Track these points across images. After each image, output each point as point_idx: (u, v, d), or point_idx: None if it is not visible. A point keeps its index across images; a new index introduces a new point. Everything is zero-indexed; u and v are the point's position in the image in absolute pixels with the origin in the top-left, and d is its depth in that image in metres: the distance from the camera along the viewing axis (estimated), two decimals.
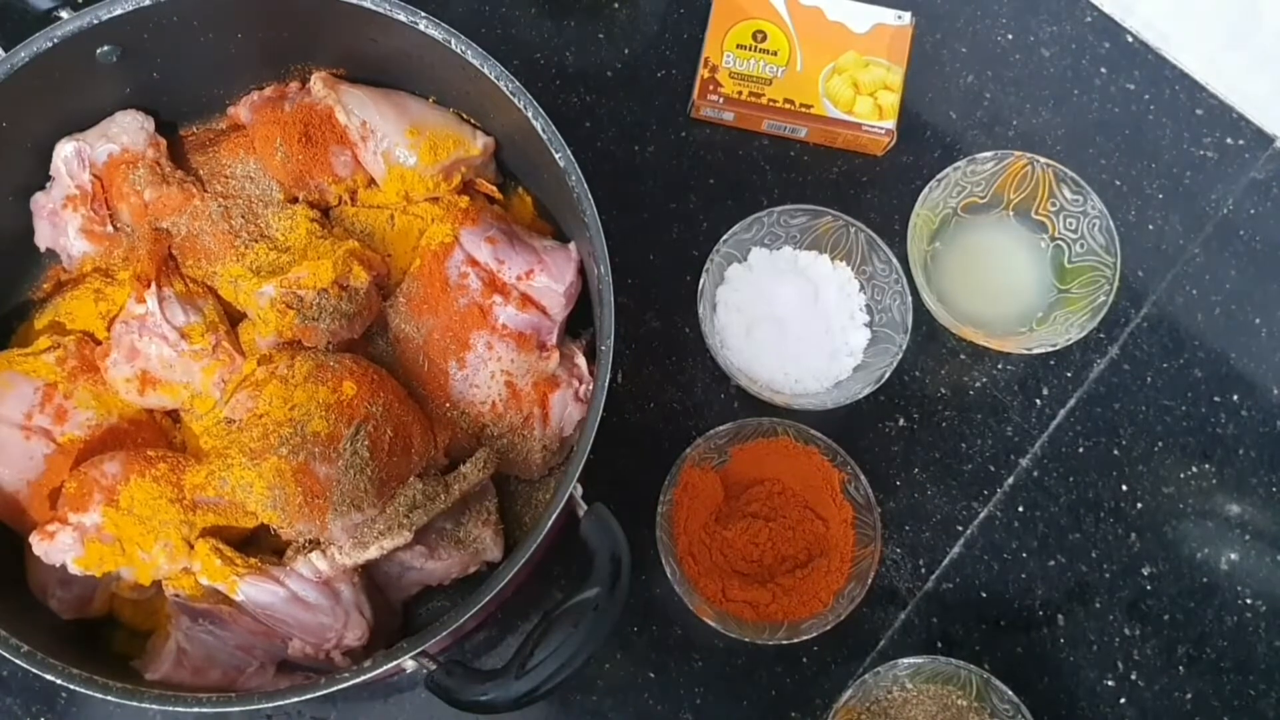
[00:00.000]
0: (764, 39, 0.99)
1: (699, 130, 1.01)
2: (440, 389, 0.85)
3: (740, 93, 0.98)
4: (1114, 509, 0.95)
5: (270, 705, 0.76)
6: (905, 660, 0.87)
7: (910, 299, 0.91)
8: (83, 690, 0.72)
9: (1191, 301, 0.99)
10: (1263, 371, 0.98)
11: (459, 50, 0.81)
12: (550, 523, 0.75)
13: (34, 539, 0.77)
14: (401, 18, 0.81)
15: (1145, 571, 0.94)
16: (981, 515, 0.95)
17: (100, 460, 0.79)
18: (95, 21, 0.80)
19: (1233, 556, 0.95)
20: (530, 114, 0.80)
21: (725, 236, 0.93)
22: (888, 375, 0.90)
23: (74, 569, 0.77)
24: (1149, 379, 0.98)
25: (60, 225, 0.86)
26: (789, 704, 0.91)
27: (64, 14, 0.81)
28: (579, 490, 0.76)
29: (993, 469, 0.96)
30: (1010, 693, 0.85)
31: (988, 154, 0.94)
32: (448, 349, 0.84)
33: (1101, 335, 0.98)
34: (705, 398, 0.96)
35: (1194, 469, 0.96)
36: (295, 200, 0.89)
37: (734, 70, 0.98)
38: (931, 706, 0.88)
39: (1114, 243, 0.92)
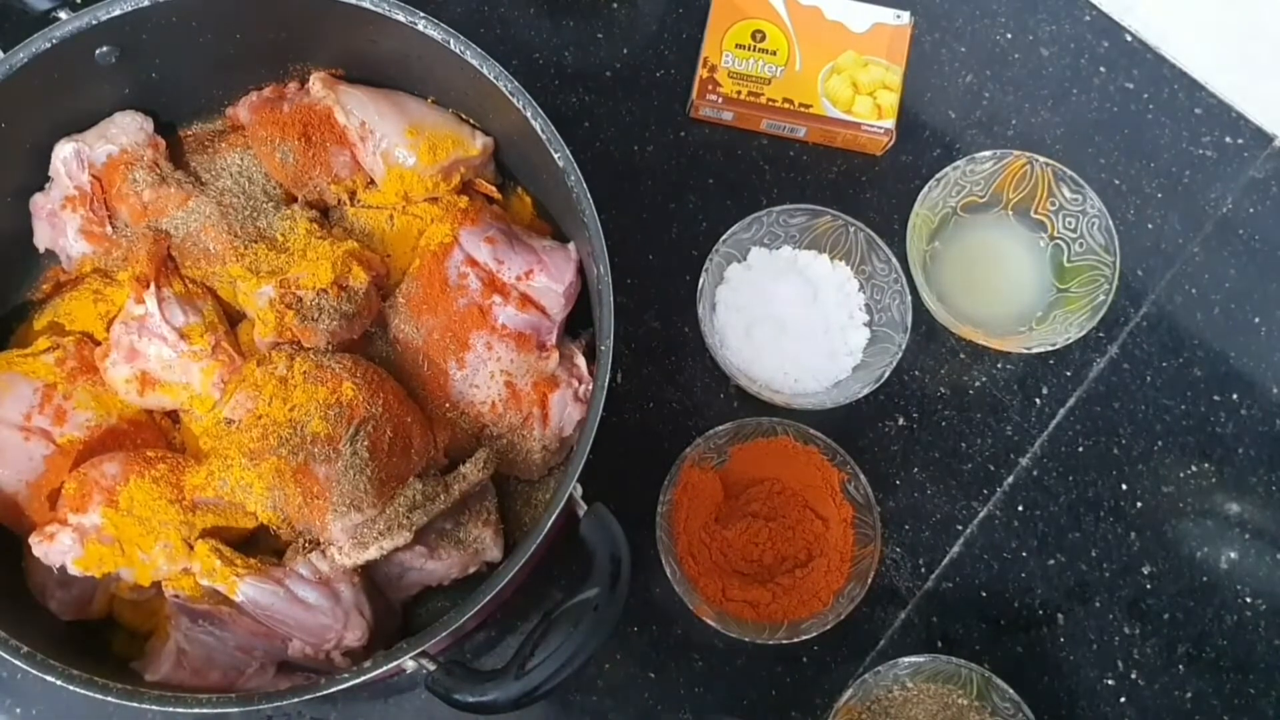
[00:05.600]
0: (763, 39, 0.99)
1: (698, 130, 1.01)
2: (440, 389, 0.84)
3: (739, 92, 0.98)
4: (1114, 508, 0.95)
5: (270, 706, 0.76)
6: (906, 659, 0.87)
7: (910, 298, 0.91)
8: (83, 691, 0.72)
9: (1191, 300, 0.99)
10: (1262, 370, 0.98)
11: (458, 50, 0.81)
12: (550, 523, 0.75)
13: (33, 540, 0.77)
14: (400, 18, 0.81)
15: (1145, 570, 0.94)
16: (981, 515, 0.95)
17: (100, 461, 0.79)
18: (94, 22, 0.80)
19: (1232, 555, 0.95)
20: (529, 114, 0.80)
21: (725, 236, 0.93)
22: (887, 375, 0.90)
23: (73, 570, 0.77)
24: (1148, 378, 0.98)
25: (59, 226, 0.86)
26: (789, 704, 0.91)
27: (63, 14, 0.81)
28: (579, 490, 0.76)
29: (992, 468, 0.96)
30: (1011, 691, 0.85)
31: (987, 153, 0.94)
32: (447, 349, 0.84)
33: (1101, 334, 0.98)
34: (705, 398, 0.96)
35: (1193, 468, 0.96)
36: (295, 200, 0.89)
37: (733, 70, 0.98)
38: (932, 705, 0.88)
39: (1113, 242, 0.92)
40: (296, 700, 0.73)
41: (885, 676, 0.87)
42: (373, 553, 0.78)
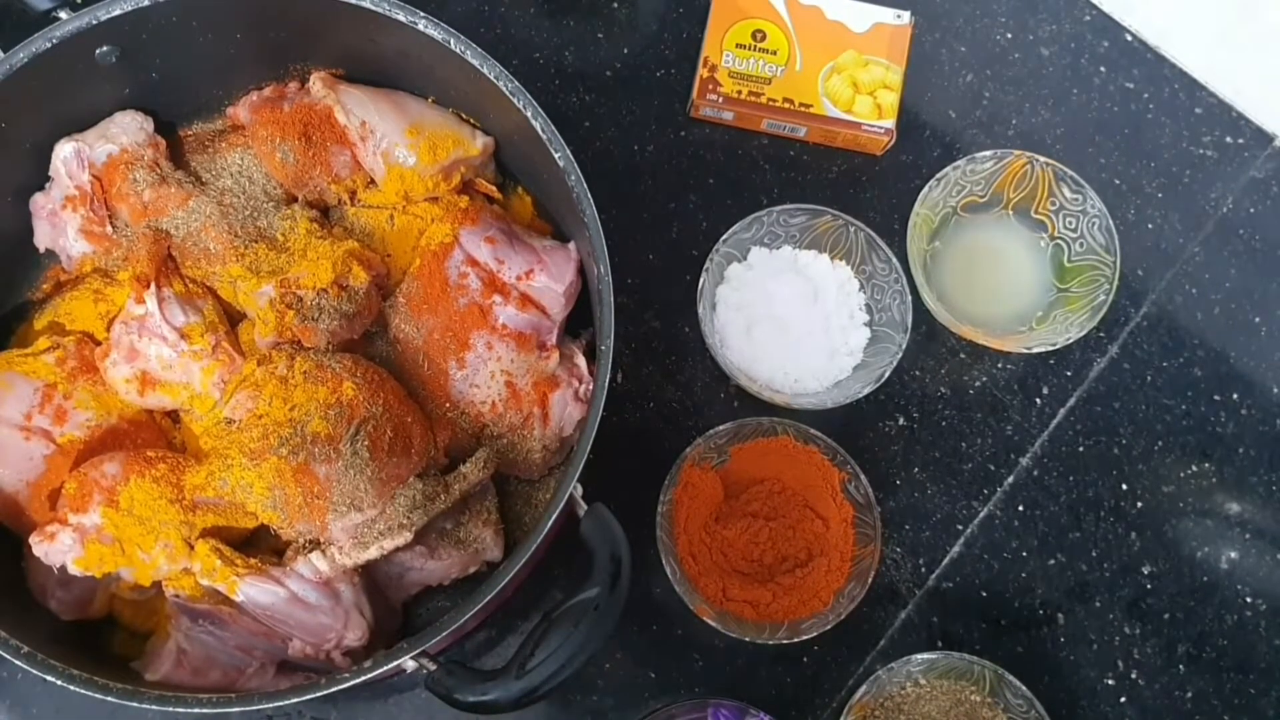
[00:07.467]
0: (763, 38, 0.99)
1: (698, 130, 1.01)
2: (440, 389, 0.84)
3: (739, 92, 0.98)
4: (1114, 508, 0.95)
5: (270, 706, 0.76)
6: (919, 656, 0.87)
7: (910, 298, 0.91)
8: (83, 690, 0.72)
9: (1191, 300, 0.99)
10: (1262, 370, 0.98)
11: (458, 50, 0.81)
12: (550, 523, 0.75)
13: (34, 540, 0.77)
14: (401, 18, 0.81)
15: (1145, 570, 0.94)
16: (981, 514, 0.95)
17: (100, 461, 0.79)
18: (94, 22, 0.80)
19: (1233, 555, 0.95)
20: (529, 114, 0.80)
21: (725, 236, 0.93)
22: (887, 374, 0.90)
23: (74, 570, 0.77)
24: (1149, 378, 0.98)
25: (60, 226, 0.86)
26: (789, 704, 0.91)
27: (63, 14, 0.81)
28: (579, 490, 0.76)
29: (993, 468, 0.96)
30: (1023, 688, 0.85)
31: (987, 153, 0.94)
32: (447, 349, 0.84)
33: (1101, 334, 0.98)
34: (705, 397, 0.96)
35: (1194, 468, 0.96)
36: (295, 200, 0.89)
37: (733, 69, 0.98)
38: (945, 702, 0.88)
39: (1113, 241, 0.92)
40: (296, 700, 0.73)
41: (898, 673, 0.87)
42: (373, 552, 0.78)
